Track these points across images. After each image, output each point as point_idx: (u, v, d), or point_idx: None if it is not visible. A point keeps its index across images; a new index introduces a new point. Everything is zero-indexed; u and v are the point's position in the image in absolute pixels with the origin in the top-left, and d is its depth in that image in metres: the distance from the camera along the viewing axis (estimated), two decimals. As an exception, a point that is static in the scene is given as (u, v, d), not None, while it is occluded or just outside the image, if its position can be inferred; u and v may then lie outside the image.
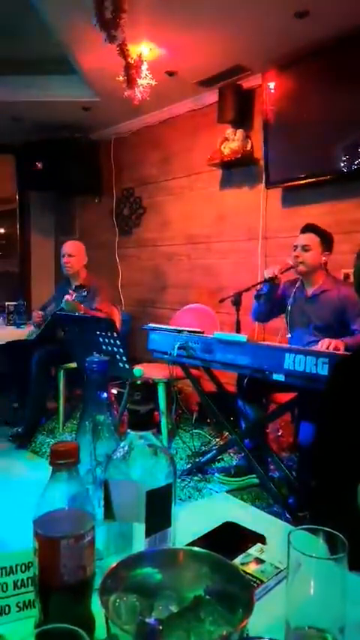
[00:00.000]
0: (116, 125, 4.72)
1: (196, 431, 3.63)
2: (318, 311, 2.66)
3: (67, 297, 3.57)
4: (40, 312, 3.87)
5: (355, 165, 2.91)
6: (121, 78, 2.90)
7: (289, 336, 2.80)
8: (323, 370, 2.02)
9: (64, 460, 0.61)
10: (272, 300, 2.81)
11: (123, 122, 4.63)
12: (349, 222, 3.12)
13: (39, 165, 4.62)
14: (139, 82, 2.91)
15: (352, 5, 2.61)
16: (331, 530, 0.60)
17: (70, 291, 3.67)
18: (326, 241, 2.68)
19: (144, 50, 3.02)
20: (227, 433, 3.19)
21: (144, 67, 2.92)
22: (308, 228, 2.69)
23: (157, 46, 3.09)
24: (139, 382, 0.70)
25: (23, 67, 3.77)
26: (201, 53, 3.21)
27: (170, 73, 3.48)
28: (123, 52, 2.72)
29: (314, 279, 2.70)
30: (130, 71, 2.83)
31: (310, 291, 2.72)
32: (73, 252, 3.82)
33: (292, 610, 0.58)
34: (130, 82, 2.88)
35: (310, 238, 2.65)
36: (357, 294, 1.19)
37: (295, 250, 2.68)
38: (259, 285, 2.87)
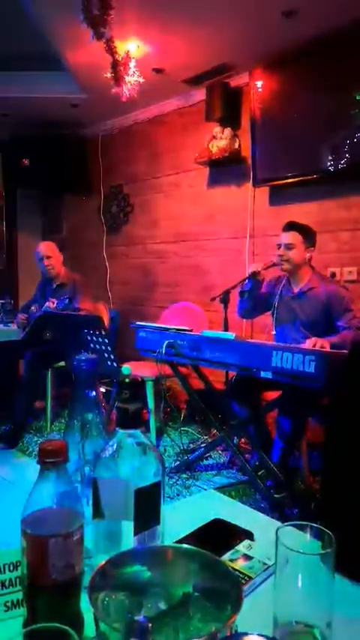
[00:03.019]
0: (104, 122, 4.70)
1: (184, 428, 3.64)
2: (305, 308, 2.67)
3: (48, 304, 3.55)
4: (24, 315, 3.84)
5: (342, 164, 2.93)
6: (108, 75, 2.88)
7: (274, 333, 2.82)
8: (310, 368, 2.04)
9: (52, 459, 0.61)
10: (256, 297, 2.83)
11: (111, 119, 4.61)
12: (335, 221, 3.14)
13: (26, 162, 4.58)
14: (127, 79, 2.90)
15: (340, 5, 2.63)
16: (319, 526, 0.60)
17: (51, 299, 3.63)
18: (309, 237, 2.69)
19: (131, 47, 3.01)
20: (215, 431, 3.20)
21: (131, 64, 2.91)
22: (290, 227, 2.70)
23: (145, 44, 3.08)
24: (127, 380, 0.70)
25: (11, 63, 3.74)
26: (188, 51, 3.21)
27: (157, 71, 3.47)
28: (110, 49, 2.71)
29: (300, 276, 2.72)
30: (118, 68, 2.82)
31: (296, 288, 2.74)
32: (51, 252, 3.77)
33: (280, 605, 0.59)
34: (118, 79, 2.87)
35: (293, 236, 2.66)
36: None
37: (279, 249, 2.69)
38: (243, 282, 2.88)
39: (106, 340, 2.96)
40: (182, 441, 3.27)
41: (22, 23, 3.05)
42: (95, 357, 0.82)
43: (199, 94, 3.79)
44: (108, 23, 2.42)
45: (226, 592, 0.55)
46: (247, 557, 0.79)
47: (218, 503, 1.03)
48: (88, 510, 0.70)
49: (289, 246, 2.65)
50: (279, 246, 2.69)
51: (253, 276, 2.76)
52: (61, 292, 3.74)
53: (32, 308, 3.85)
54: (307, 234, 2.69)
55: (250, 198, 3.63)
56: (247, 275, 2.82)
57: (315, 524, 0.61)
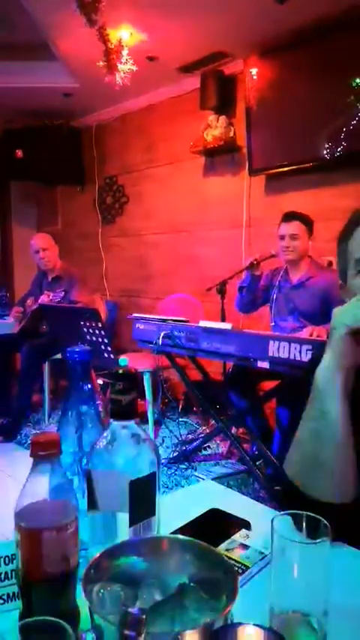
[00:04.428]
0: (98, 112, 4.65)
1: (182, 419, 3.64)
2: (304, 298, 2.67)
3: (42, 297, 3.53)
4: (19, 308, 3.82)
5: (338, 152, 2.91)
6: (101, 63, 2.85)
7: (273, 323, 2.82)
8: (307, 357, 2.03)
9: (45, 451, 0.60)
10: (255, 291, 2.83)
11: (104, 109, 4.57)
12: (331, 209, 3.12)
13: (19, 153, 4.53)
14: (120, 67, 2.87)
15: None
16: (315, 515, 0.60)
17: (46, 292, 3.61)
18: (310, 227, 2.70)
19: (124, 35, 2.97)
20: (214, 421, 3.21)
21: (124, 52, 2.88)
22: (293, 217, 2.69)
23: (138, 31, 3.04)
24: (120, 372, 0.69)
25: (1, 52, 3.69)
26: (182, 38, 3.17)
27: (151, 59, 3.43)
28: (103, 37, 2.68)
29: (300, 266, 2.72)
30: (110, 56, 2.79)
31: (295, 278, 2.73)
32: (47, 245, 3.75)
33: (277, 595, 0.59)
34: (111, 67, 2.84)
35: (298, 226, 2.66)
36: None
37: (282, 240, 2.68)
38: (241, 274, 2.88)
39: (103, 332, 2.95)
40: (180, 432, 3.28)
41: (14, 12, 3.00)
42: (88, 347, 0.81)
43: (194, 82, 3.75)
44: (100, 10, 2.39)
45: (221, 582, 0.55)
46: (244, 547, 0.79)
47: (216, 493, 1.03)
48: (84, 502, 0.69)
49: (294, 237, 2.65)
50: (282, 237, 2.68)
51: (251, 266, 2.75)
52: (57, 285, 3.73)
53: (28, 301, 3.83)
54: (309, 224, 2.69)
55: (246, 187, 3.61)
56: (245, 266, 2.81)
57: (311, 514, 0.61)
